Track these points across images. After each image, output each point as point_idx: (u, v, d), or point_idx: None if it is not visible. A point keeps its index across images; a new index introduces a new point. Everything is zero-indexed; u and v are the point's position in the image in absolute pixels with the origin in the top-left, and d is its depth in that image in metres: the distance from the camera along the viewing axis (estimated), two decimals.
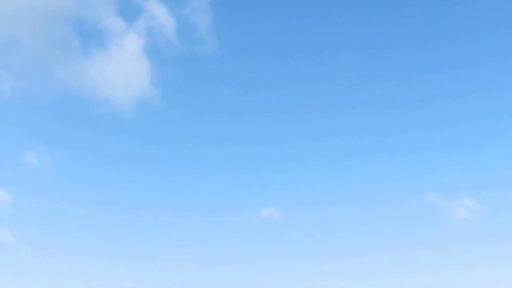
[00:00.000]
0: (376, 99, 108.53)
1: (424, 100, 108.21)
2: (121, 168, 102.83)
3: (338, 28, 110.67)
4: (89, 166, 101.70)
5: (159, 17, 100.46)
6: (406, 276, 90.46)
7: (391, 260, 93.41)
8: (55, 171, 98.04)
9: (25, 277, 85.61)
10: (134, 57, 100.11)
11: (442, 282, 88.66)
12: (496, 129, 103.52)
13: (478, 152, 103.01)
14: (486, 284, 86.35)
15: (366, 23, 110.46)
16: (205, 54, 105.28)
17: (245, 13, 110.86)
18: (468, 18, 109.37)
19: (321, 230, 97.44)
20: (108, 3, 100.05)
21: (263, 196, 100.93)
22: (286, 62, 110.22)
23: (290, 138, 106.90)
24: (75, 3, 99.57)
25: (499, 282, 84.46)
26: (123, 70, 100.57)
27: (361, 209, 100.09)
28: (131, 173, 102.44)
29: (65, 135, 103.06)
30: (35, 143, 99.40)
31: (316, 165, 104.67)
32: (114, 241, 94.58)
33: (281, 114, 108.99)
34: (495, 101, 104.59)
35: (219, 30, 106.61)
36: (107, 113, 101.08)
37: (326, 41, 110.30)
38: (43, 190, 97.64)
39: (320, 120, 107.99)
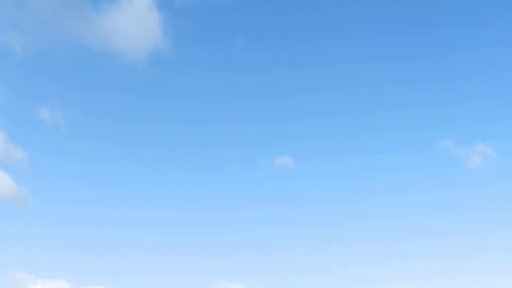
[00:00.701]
0: (388, 52, 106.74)
1: (436, 52, 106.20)
2: (134, 121, 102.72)
3: None
4: (102, 120, 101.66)
5: None
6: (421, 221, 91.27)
7: (405, 205, 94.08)
8: (68, 127, 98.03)
9: (41, 232, 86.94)
10: (145, 10, 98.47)
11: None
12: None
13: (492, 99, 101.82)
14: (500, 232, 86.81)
15: None
16: (217, 3, 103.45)
17: None
18: None
19: (335, 178, 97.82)
20: None
21: (277, 146, 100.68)
22: (302, 12, 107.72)
23: (305, 91, 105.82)
24: None
25: None
26: (134, 23, 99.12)
27: (375, 158, 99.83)
28: (144, 126, 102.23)
29: (77, 90, 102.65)
30: (48, 100, 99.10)
31: (330, 117, 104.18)
32: (129, 192, 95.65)
33: (296, 66, 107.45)
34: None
35: None
36: (120, 66, 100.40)
37: None
38: (57, 147, 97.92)
39: (333, 73, 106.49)
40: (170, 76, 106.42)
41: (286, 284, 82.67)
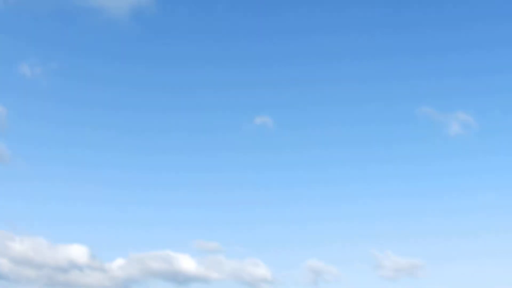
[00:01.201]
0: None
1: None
2: (113, 80, 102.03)
3: None
4: (82, 77, 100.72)
5: None
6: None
7: (386, 173, 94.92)
8: (48, 83, 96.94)
9: (20, 189, 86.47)
10: None
11: (435, 191, 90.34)
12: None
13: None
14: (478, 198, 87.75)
15: None
16: None
17: None
18: None
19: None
20: None
21: (256, 104, 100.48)
22: None
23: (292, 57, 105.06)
24: None
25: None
26: None
27: (357, 123, 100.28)
28: (125, 78, 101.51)
29: (58, 45, 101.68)
30: (28, 55, 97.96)
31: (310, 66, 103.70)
32: (112, 151, 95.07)
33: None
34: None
35: None
36: (102, 21, 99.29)
37: None
38: (36, 103, 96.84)
39: (319, 42, 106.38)
40: (151, 31, 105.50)
41: (265, 241, 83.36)
